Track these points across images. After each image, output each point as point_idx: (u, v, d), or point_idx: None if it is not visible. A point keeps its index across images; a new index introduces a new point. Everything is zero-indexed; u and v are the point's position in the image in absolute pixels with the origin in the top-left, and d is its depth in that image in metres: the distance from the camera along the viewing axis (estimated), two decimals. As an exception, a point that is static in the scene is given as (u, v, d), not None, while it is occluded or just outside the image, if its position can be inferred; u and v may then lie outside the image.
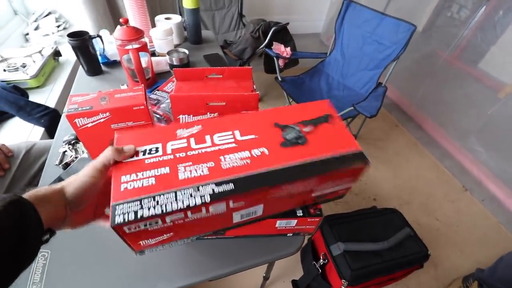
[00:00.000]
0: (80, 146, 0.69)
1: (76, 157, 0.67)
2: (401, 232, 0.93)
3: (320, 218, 0.48)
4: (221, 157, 0.38)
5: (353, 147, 0.42)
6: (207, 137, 0.41)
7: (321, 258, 0.93)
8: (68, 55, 1.33)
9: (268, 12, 2.85)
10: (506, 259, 0.99)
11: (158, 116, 0.68)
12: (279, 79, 1.54)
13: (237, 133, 0.42)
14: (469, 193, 1.56)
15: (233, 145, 0.40)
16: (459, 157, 1.73)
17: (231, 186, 0.35)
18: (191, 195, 0.34)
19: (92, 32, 1.40)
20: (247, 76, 0.57)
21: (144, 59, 0.83)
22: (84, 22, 1.39)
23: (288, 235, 0.53)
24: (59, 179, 0.62)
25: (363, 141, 1.81)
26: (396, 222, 0.98)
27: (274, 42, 1.63)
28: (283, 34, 1.79)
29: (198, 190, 0.34)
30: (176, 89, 0.53)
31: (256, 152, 0.39)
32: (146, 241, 0.38)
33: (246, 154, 0.39)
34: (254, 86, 0.57)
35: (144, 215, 0.32)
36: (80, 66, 0.92)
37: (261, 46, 1.66)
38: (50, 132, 0.96)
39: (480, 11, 2.17)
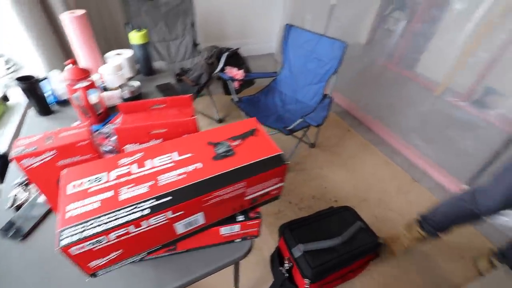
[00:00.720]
0: (33, 186, 0.70)
1: (28, 198, 0.68)
2: (353, 226, 1.03)
3: (259, 220, 0.55)
4: (160, 176, 0.44)
5: (274, 152, 0.50)
6: (148, 161, 0.47)
7: (286, 262, 0.99)
8: (19, 98, 1.32)
9: (223, 38, 3.01)
10: (446, 201, 1.16)
11: (110, 148, 0.72)
12: (236, 99, 1.64)
13: (175, 154, 0.48)
14: (418, 183, 1.73)
15: (171, 164, 0.46)
16: (406, 152, 1.93)
17: (168, 197, 0.41)
18: (132, 211, 0.39)
19: (44, 72, 1.41)
20: (187, 103, 0.65)
21: (94, 95, 0.87)
22: (35, 63, 1.40)
23: (236, 241, 0.59)
24: (10, 223, 0.62)
25: (321, 148, 1.95)
26: (349, 218, 1.08)
27: (227, 67, 1.74)
28: (235, 58, 1.92)
29: (139, 206, 0.40)
30: (122, 122, 0.59)
31: (191, 167, 0.46)
32: (96, 261, 0.42)
33: (182, 170, 0.45)
34: (194, 111, 0.64)
35: (88, 234, 0.36)
36: (32, 107, 0.94)
37: (216, 71, 1.77)
38: (2, 177, 0.95)
39: (410, 23, 2.50)
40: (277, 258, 1.06)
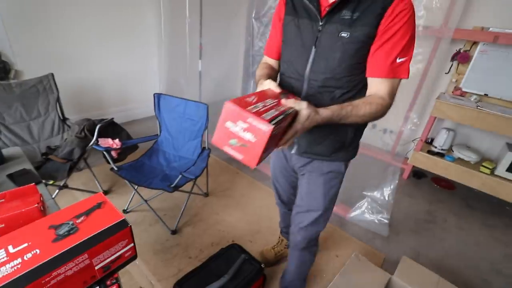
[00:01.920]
0: None
1: None
2: (238, 260, 1.16)
3: (118, 285, 0.60)
4: (-9, 274, 0.46)
5: (118, 218, 0.59)
6: (-24, 263, 0.48)
7: (182, 318, 1.01)
8: None
9: (101, 107, 2.95)
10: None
11: None
12: (115, 169, 1.63)
13: (10, 247, 0.51)
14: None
15: (5, 258, 0.49)
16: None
17: (-2, 294, 0.43)
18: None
19: None
20: (32, 192, 0.67)
21: None
22: None
23: (101, 312, 0.61)
24: None
25: (215, 195, 2.09)
26: (234, 254, 1.21)
27: (101, 138, 1.73)
28: (112, 127, 1.93)
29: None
30: None
31: (28, 255, 0.49)
32: None
33: (17, 261, 0.48)
34: (42, 198, 0.66)
35: None
36: None
37: (90, 144, 1.73)
38: None
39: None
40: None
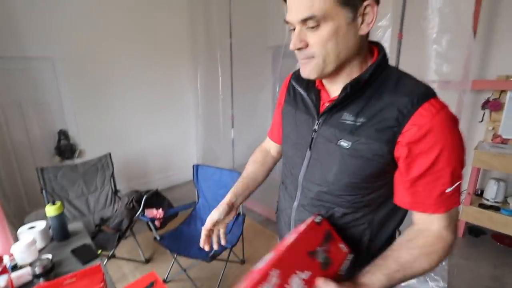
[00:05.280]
0: None
1: None
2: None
3: None
4: None
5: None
6: None
7: None
8: None
9: (146, 175, 3.25)
10: None
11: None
12: (157, 238, 1.74)
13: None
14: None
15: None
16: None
17: None
18: None
19: None
20: (97, 271, 0.78)
21: (3, 279, 0.90)
22: None
23: None
24: None
25: (251, 262, 2.06)
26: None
27: (147, 209, 1.90)
28: (156, 197, 2.12)
29: None
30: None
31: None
32: None
33: None
34: (104, 277, 0.77)
35: None
36: None
37: (136, 215, 1.89)
38: None
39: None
40: None
